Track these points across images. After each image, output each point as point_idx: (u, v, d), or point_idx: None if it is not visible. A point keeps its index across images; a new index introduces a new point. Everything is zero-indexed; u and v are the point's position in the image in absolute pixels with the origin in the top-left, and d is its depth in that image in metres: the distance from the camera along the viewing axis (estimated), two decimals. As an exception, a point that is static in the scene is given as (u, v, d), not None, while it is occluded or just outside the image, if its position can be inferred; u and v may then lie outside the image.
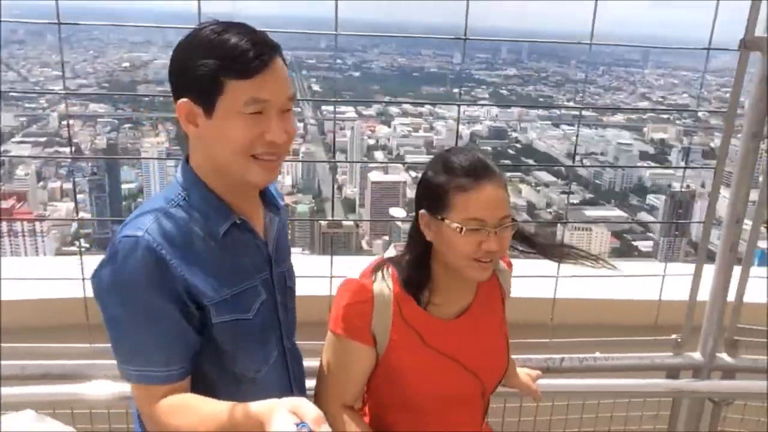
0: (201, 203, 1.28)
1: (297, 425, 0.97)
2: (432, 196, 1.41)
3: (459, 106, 2.26)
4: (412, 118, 22.87)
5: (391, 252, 1.61)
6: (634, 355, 2.31)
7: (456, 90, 24.47)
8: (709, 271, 2.29)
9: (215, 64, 1.17)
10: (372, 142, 23.61)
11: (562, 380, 2.19)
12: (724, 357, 2.32)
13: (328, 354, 1.51)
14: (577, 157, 18.39)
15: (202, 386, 1.28)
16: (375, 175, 22.81)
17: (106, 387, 1.89)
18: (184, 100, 1.21)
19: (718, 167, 2.20)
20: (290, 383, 1.48)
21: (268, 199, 1.42)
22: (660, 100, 23.55)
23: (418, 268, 1.48)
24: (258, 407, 1.06)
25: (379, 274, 1.48)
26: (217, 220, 1.28)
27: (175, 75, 1.23)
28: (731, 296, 2.27)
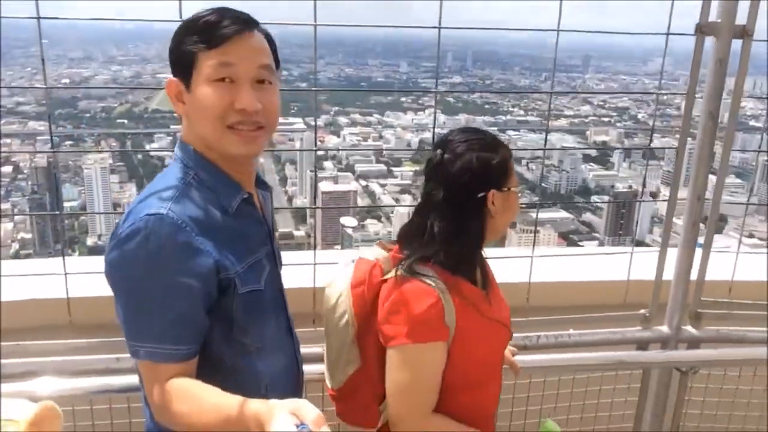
0: (210, 180, 1.32)
1: (297, 426, 0.98)
2: (499, 172, 1.53)
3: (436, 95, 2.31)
4: (362, 127, 22.94)
5: (378, 251, 1.63)
6: (606, 331, 2.41)
7: (403, 99, 24.83)
8: (672, 252, 2.41)
9: (188, 39, 1.25)
10: (321, 153, 23.61)
11: (539, 356, 2.27)
12: (689, 329, 2.44)
13: (406, 370, 1.48)
14: (523, 161, 18.74)
15: (208, 356, 1.30)
16: (325, 185, 22.75)
17: (54, 384, 1.86)
18: (172, 79, 1.29)
19: (680, 148, 2.31)
20: (295, 353, 1.54)
21: (257, 177, 1.47)
22: (601, 104, 24.25)
23: (475, 249, 1.55)
24: (259, 406, 1.07)
25: (424, 271, 1.49)
26: (228, 196, 1.33)
27: (168, 59, 1.31)
28: (695, 272, 2.39)
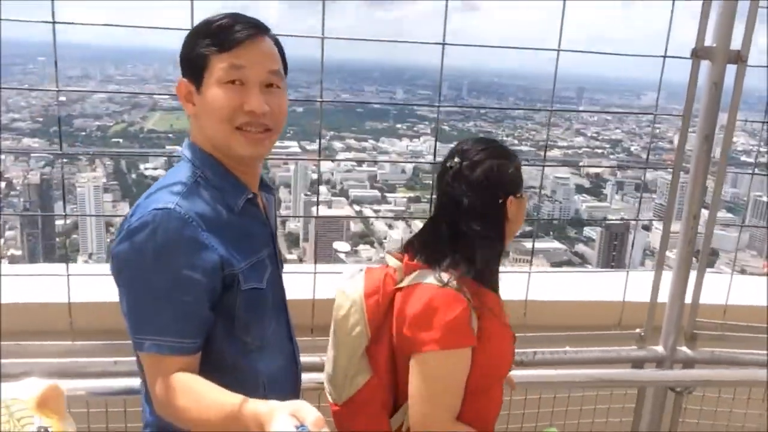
0: (217, 179, 1.34)
1: (297, 427, 0.98)
2: (515, 179, 1.59)
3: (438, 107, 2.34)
4: (356, 152, 23.03)
5: (392, 261, 1.63)
6: (602, 349, 2.42)
7: (399, 125, 24.97)
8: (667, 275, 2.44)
9: (201, 42, 1.29)
10: (315, 176, 23.66)
11: (535, 371, 2.28)
12: (685, 350, 2.45)
13: (437, 377, 1.48)
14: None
15: (210, 352, 1.31)
16: (319, 210, 22.79)
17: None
18: (182, 80, 1.33)
19: (675, 169, 2.35)
20: (294, 356, 1.55)
21: (261, 180, 1.50)
22: (594, 135, 24.45)
23: (500, 254, 1.58)
24: (259, 407, 1.08)
25: (447, 279, 1.50)
26: (234, 195, 1.36)
27: (179, 61, 1.34)
28: (689, 294, 2.42)
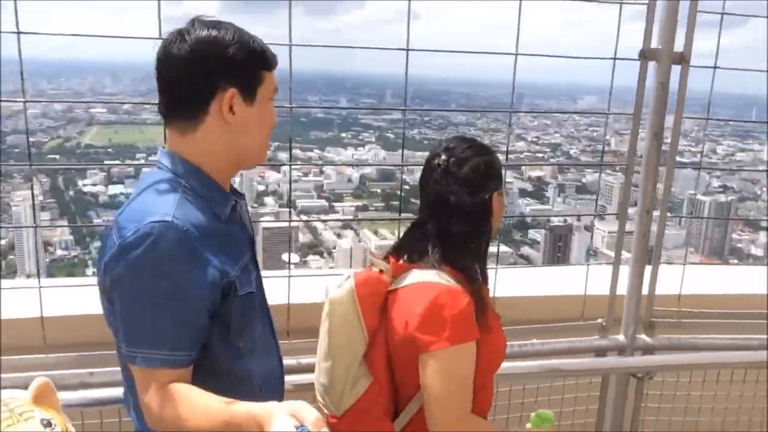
0: (202, 188, 1.35)
1: (297, 428, 0.98)
2: (499, 175, 1.64)
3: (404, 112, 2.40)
4: (302, 162, 22.93)
5: (378, 263, 1.64)
6: (566, 340, 2.51)
7: (343, 134, 25.01)
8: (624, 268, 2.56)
9: (255, 56, 1.34)
10: (262, 188, 23.44)
11: (505, 363, 2.34)
12: (644, 338, 2.57)
13: (450, 373, 1.50)
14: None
15: (204, 359, 1.31)
16: (266, 222, 22.56)
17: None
18: (233, 89, 1.31)
19: (629, 167, 2.47)
20: (278, 354, 1.57)
21: (231, 186, 1.51)
22: (534, 140, 25.04)
23: (486, 249, 1.63)
24: (257, 409, 1.08)
25: (442, 276, 1.54)
26: (220, 203, 1.37)
27: (213, 66, 1.30)
28: (646, 284, 2.54)
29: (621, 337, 2.55)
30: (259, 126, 1.39)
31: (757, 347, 2.43)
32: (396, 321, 1.55)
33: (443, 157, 1.59)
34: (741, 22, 2.44)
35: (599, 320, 2.55)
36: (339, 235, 22.37)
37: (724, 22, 2.40)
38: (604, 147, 2.91)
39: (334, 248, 22.11)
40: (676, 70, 2.35)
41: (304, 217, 22.74)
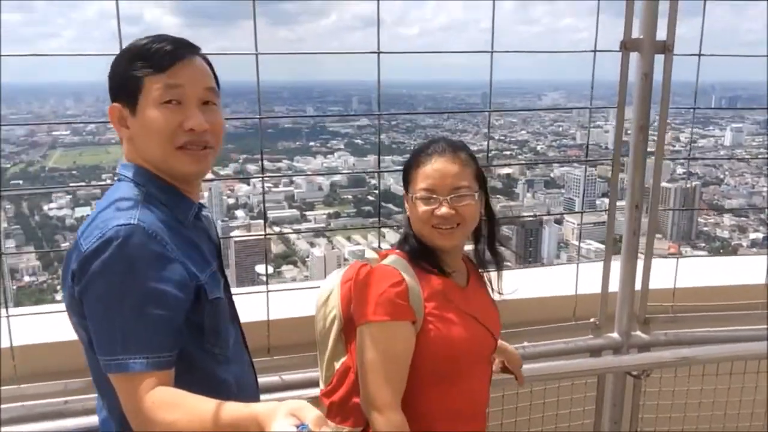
0: (162, 195, 1.34)
1: (298, 427, 0.97)
2: (405, 178, 1.64)
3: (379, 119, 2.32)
4: (272, 173, 22.75)
5: (371, 254, 1.68)
6: (560, 341, 2.45)
7: (312, 143, 24.87)
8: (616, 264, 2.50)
9: (134, 64, 1.30)
10: (232, 201, 23.21)
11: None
12: (639, 334, 2.51)
13: (372, 348, 1.51)
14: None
15: (183, 368, 1.27)
16: (237, 233, 22.30)
17: None
18: (114, 104, 1.33)
19: (615, 161, 2.42)
20: (250, 361, 1.58)
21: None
22: (502, 138, 25.16)
23: (420, 243, 1.62)
24: (258, 408, 1.07)
25: (391, 258, 1.60)
26: (182, 209, 1.37)
27: (109, 86, 1.35)
28: (639, 279, 2.48)
29: (615, 335, 2.49)
30: (145, 134, 1.32)
31: (755, 338, 2.39)
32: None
33: None
34: (697, 10, 2.41)
35: (592, 319, 2.50)
36: (312, 244, 22.24)
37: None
38: (587, 143, 2.86)
39: (308, 257, 21.97)
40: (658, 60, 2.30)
41: (276, 228, 22.49)
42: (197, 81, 1.34)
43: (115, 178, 1.38)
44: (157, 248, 1.22)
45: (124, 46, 1.39)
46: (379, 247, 1.87)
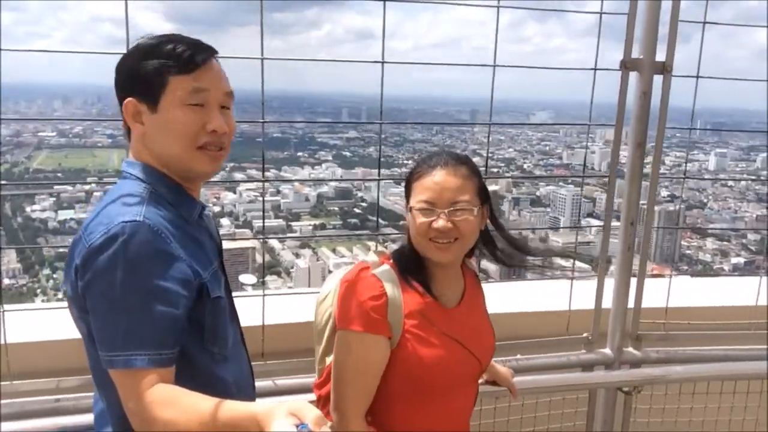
0: (168, 194, 1.36)
1: (298, 426, 0.98)
2: (406, 188, 1.62)
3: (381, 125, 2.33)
4: (258, 183, 22.70)
5: (372, 257, 1.66)
6: (552, 355, 2.47)
7: (300, 153, 24.85)
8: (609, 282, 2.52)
9: (158, 63, 1.31)
10: (218, 209, 23.10)
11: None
12: (631, 350, 2.53)
13: (345, 354, 1.53)
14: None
15: (182, 366, 1.28)
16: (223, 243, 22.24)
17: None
18: (130, 99, 1.33)
19: (611, 179, 2.44)
20: (248, 361, 1.58)
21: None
22: (490, 155, 25.34)
23: (413, 258, 1.60)
24: (257, 409, 1.08)
25: (382, 268, 1.58)
26: (188, 207, 1.39)
27: (121, 80, 1.37)
28: (632, 297, 2.50)
29: (608, 351, 2.51)
30: (166, 132, 1.33)
31: (748, 358, 2.41)
32: None
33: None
34: (692, 35, 2.45)
35: (585, 334, 2.51)
36: (297, 255, 22.16)
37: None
38: (585, 161, 2.88)
39: (292, 268, 21.88)
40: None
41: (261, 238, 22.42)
42: (220, 85, 1.38)
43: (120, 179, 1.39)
44: (162, 246, 1.23)
45: (126, 47, 1.43)
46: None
